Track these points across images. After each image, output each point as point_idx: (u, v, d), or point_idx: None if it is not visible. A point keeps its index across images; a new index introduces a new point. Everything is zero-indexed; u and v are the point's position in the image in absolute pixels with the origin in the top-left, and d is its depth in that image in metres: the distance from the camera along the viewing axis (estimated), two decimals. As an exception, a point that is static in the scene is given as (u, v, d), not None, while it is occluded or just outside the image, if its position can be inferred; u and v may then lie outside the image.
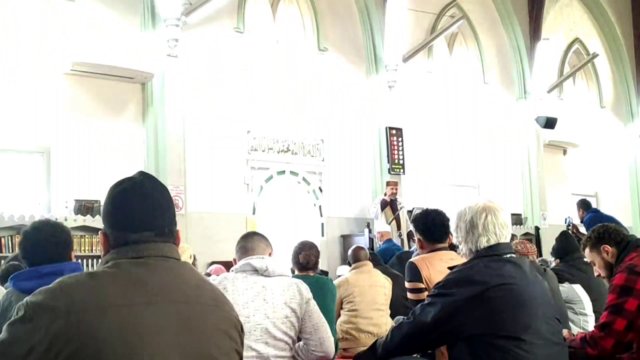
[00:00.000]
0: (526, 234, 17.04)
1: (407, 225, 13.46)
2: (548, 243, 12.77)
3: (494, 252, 3.45)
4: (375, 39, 15.08)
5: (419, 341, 3.57)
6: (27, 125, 10.99)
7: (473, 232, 3.47)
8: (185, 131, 12.11)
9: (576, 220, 13.32)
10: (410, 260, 5.00)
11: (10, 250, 9.68)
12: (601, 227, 4.56)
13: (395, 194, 13.74)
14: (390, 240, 11.82)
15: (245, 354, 3.97)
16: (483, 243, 3.45)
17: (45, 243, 3.54)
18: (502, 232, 3.48)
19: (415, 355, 3.84)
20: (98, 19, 11.52)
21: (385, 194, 13.74)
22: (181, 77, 12.11)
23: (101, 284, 1.98)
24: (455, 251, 5.22)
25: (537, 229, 17.30)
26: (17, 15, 11.06)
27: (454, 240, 3.69)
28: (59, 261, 3.49)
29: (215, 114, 12.70)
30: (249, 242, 4.38)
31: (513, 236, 13.30)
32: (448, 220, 5.06)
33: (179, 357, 1.97)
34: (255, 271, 4.18)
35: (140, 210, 2.12)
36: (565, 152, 19.54)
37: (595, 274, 4.63)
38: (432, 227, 5.06)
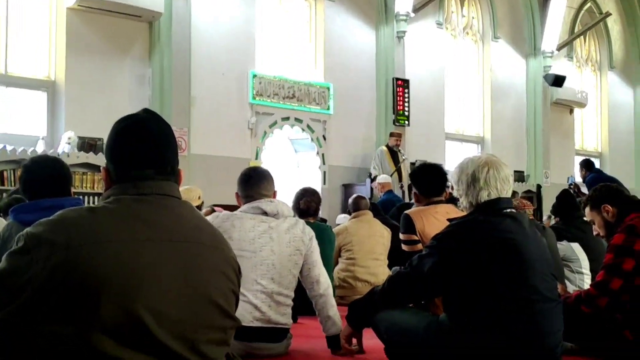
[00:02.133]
0: (528, 191, 17.05)
1: (408, 177, 13.46)
2: (549, 201, 12.77)
3: (494, 207, 3.45)
4: (387, -13, 14.91)
5: (414, 291, 3.61)
6: (31, 59, 10.95)
7: (474, 185, 3.47)
8: (191, 72, 12.05)
9: (578, 180, 13.32)
10: (405, 212, 5.03)
11: (12, 184, 9.70)
12: (602, 187, 4.56)
13: (399, 145, 13.70)
14: (390, 191, 11.82)
15: (250, 287, 4.06)
16: (484, 197, 3.46)
17: (44, 177, 3.55)
18: (504, 186, 3.48)
19: (410, 305, 3.87)
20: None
21: (387, 145, 13.69)
22: (189, 17, 12.01)
23: (101, 219, 1.98)
24: (455, 204, 5.25)
25: (538, 186, 17.32)
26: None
27: (455, 193, 3.69)
28: (59, 196, 3.50)
29: (222, 57, 12.62)
30: (256, 184, 4.37)
31: (514, 193, 13.29)
32: (445, 174, 5.09)
33: (177, 295, 1.98)
34: (265, 213, 4.22)
35: (142, 146, 2.11)
36: (571, 111, 19.45)
37: (595, 233, 4.64)
38: (428, 180, 5.09)
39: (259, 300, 4.12)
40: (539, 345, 3.31)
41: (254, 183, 4.36)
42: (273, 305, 4.17)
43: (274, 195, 4.40)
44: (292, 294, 4.32)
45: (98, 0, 10.97)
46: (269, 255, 4.17)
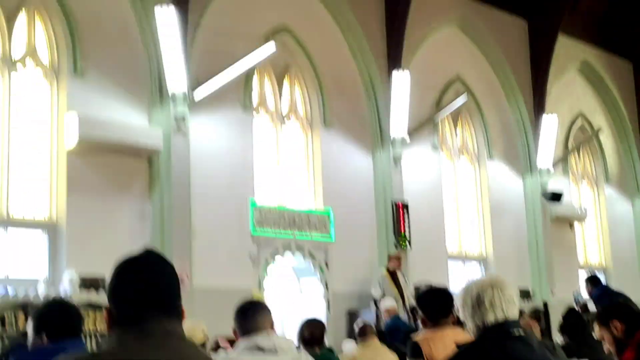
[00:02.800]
0: (534, 309, 16.85)
1: (410, 300, 13.37)
2: (557, 317, 12.63)
3: (501, 329, 3.41)
4: (381, 114, 15.21)
5: None
6: (32, 201, 11.04)
7: (479, 307, 3.43)
8: (191, 206, 12.13)
9: (584, 295, 13.22)
10: (412, 339, 4.98)
11: (14, 328, 9.59)
12: (610, 303, 4.52)
13: (400, 267, 13.62)
14: (397, 316, 11.70)
15: None
16: (490, 319, 3.42)
17: (57, 319, 3.57)
18: (509, 307, 3.45)
19: None
20: (106, 95, 11.65)
21: (387, 268, 13.61)
22: (188, 152, 12.19)
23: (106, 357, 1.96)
24: (463, 327, 5.18)
25: (545, 303, 17.13)
26: (25, 89, 11.22)
27: (461, 316, 3.65)
28: (71, 336, 3.50)
29: (222, 189, 12.74)
30: (252, 318, 4.23)
31: (521, 312, 13.15)
32: (451, 297, 5.05)
33: None
34: (262, 350, 4.11)
35: (145, 286, 2.11)
36: (572, 225, 19.47)
37: (605, 350, 4.57)
38: (435, 304, 5.05)
39: None
40: None
41: (249, 317, 4.23)
42: None
43: (272, 327, 4.29)
44: None
45: (98, 141, 11.15)
46: None
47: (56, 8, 11.42)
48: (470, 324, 3.51)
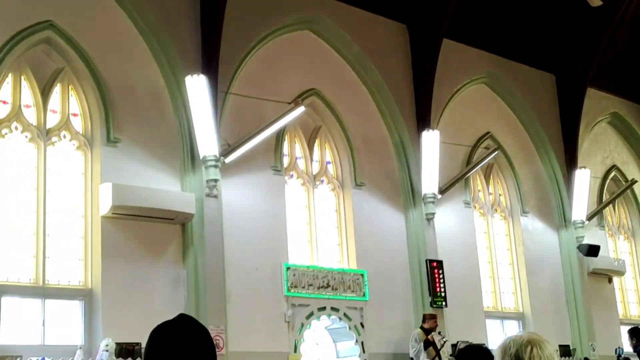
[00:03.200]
0: (576, 366, 16.56)
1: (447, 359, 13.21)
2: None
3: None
4: (412, 172, 15.23)
5: None
6: (67, 269, 11.12)
7: (519, 366, 3.38)
8: (225, 270, 12.14)
9: (627, 349, 12.95)
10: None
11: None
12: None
13: (436, 327, 13.47)
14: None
15: None
16: (530, 378, 3.36)
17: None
18: (549, 365, 3.39)
19: None
20: (139, 162, 11.80)
21: (422, 327, 13.44)
22: (221, 216, 12.25)
23: None
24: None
25: (586, 360, 16.82)
26: (60, 159, 11.40)
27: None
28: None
29: (255, 252, 12.75)
30: None
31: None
32: (492, 356, 4.98)
33: None
34: None
35: (180, 352, 2.11)
36: (610, 280, 19.18)
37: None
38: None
39: None
40: None
41: None
42: None
43: None
44: None
45: (131, 206, 11.26)
46: None
47: (89, 79, 11.66)
48: (509, 383, 3.44)
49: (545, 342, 3.43)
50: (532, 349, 3.38)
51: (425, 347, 13.17)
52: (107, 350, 10.39)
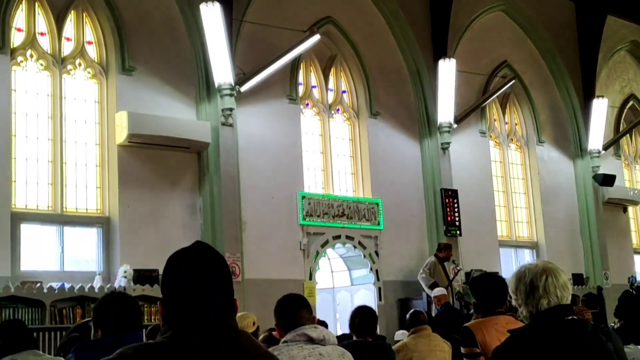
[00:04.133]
0: (588, 294, 16.66)
1: (460, 288, 13.33)
2: (611, 303, 12.49)
3: (554, 315, 3.38)
4: (428, 101, 15.15)
5: None
6: (85, 197, 11.23)
7: (533, 294, 3.41)
8: (241, 198, 12.23)
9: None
10: (465, 325, 4.95)
11: (71, 321, 9.78)
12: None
13: (450, 256, 13.55)
14: (447, 303, 11.66)
15: None
16: (544, 305, 3.39)
17: (117, 313, 3.63)
18: (563, 294, 3.42)
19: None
20: (154, 90, 11.79)
21: (437, 255, 13.53)
22: (236, 145, 12.28)
23: (160, 355, 1.99)
24: (514, 314, 5.16)
25: (599, 288, 16.94)
26: (76, 88, 11.40)
27: (513, 302, 3.63)
28: (130, 329, 3.55)
29: (270, 181, 12.81)
30: (297, 311, 4.26)
31: (575, 297, 13.02)
32: (506, 286, 5.01)
33: None
34: (311, 340, 4.16)
35: (197, 280, 2.14)
36: (625, 209, 19.20)
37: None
38: (489, 292, 5.01)
39: None
40: None
41: (294, 310, 4.26)
42: None
43: (315, 320, 4.33)
44: None
45: (147, 135, 11.30)
46: None
47: (104, 7, 11.58)
48: (523, 311, 3.48)
49: (559, 271, 3.46)
50: (547, 277, 3.41)
51: (432, 271, 13.25)
52: (125, 277, 10.55)
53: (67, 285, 10.20)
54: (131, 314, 3.70)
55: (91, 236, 11.28)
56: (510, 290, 3.54)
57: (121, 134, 11.19)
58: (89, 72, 11.57)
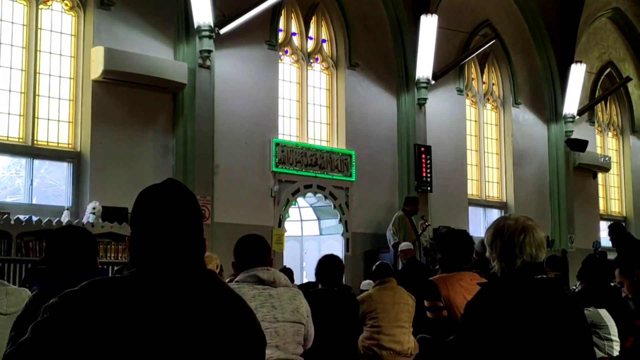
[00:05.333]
0: (553, 256, 16.83)
1: (427, 243, 13.42)
2: (575, 267, 12.65)
3: (527, 272, 3.42)
4: (407, 56, 15.08)
5: None
6: (57, 130, 11.13)
7: (509, 251, 3.42)
8: (214, 142, 12.18)
9: (604, 243, 13.19)
10: (430, 279, 4.99)
11: (37, 255, 9.75)
12: (633, 251, 4.51)
13: (417, 209, 13.56)
14: (413, 257, 11.76)
15: None
16: (517, 263, 3.42)
17: (71, 248, 3.59)
18: (538, 253, 3.44)
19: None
20: (132, 28, 11.63)
21: (404, 209, 13.56)
22: (212, 88, 12.19)
23: (125, 289, 1.99)
24: (479, 271, 5.21)
25: (564, 251, 17.15)
26: (54, 20, 11.22)
27: (487, 255, 3.65)
28: (85, 266, 3.53)
29: (245, 126, 12.76)
30: (251, 252, 4.32)
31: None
32: (472, 242, 5.05)
33: (191, 354, 1.97)
34: (261, 281, 4.19)
35: (167, 216, 2.12)
36: (595, 175, 19.38)
37: (623, 294, 4.58)
38: (456, 248, 5.05)
39: None
40: None
41: (248, 251, 4.32)
42: None
43: (270, 262, 4.36)
44: (300, 359, 4.27)
45: (123, 72, 11.16)
46: (271, 323, 4.12)
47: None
48: (496, 265, 3.50)
49: (538, 229, 3.48)
50: (525, 236, 3.43)
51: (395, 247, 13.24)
52: (93, 213, 10.51)
53: (34, 219, 10.14)
54: (88, 249, 3.67)
55: (61, 171, 11.20)
56: (486, 242, 3.55)
57: (96, 70, 11.05)
58: (66, 5, 11.37)
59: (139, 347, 1.90)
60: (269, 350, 4.03)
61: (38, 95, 10.96)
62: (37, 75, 10.97)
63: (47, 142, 11.05)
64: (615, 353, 5.77)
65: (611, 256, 12.67)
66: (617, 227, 12.14)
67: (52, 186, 11.18)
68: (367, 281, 9.86)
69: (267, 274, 4.21)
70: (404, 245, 11.98)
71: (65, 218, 10.46)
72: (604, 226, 18.88)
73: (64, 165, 11.19)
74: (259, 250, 4.34)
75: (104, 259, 10.28)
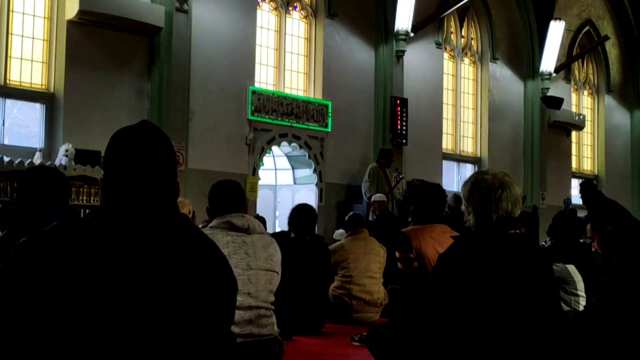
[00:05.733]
0: (524, 212, 17.01)
1: (401, 195, 13.46)
2: (545, 223, 12.79)
3: (500, 227, 3.44)
4: (387, 7, 14.96)
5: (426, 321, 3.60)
6: (30, 70, 10.97)
7: (485, 206, 3.44)
8: (190, 87, 12.07)
9: (575, 201, 13.32)
10: (402, 230, 5.02)
11: (8, 195, 9.66)
12: (605, 207, 4.55)
13: (391, 162, 13.57)
14: (386, 209, 11.82)
15: None
16: (493, 218, 3.45)
17: (43, 189, 3.56)
18: (514, 208, 3.47)
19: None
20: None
21: (379, 162, 13.55)
22: (189, 33, 12.05)
23: (95, 232, 1.97)
24: (451, 224, 5.25)
25: (535, 208, 17.31)
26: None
27: (462, 208, 3.67)
28: (57, 207, 3.50)
29: (221, 72, 12.65)
30: (226, 197, 4.28)
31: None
32: (445, 195, 5.09)
33: (167, 308, 1.97)
34: (235, 228, 4.16)
35: (141, 158, 2.09)
36: (569, 133, 19.51)
37: (593, 249, 4.64)
38: (428, 201, 5.08)
39: (236, 317, 3.94)
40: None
41: (222, 197, 4.27)
42: (254, 319, 4.10)
43: (244, 208, 4.32)
44: (272, 307, 4.26)
45: (99, 13, 10.99)
46: (244, 270, 4.10)
47: None
48: (471, 218, 3.53)
49: (515, 185, 3.50)
50: (502, 192, 3.44)
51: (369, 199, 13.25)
52: (66, 155, 10.41)
53: (6, 159, 10.03)
54: (60, 190, 3.64)
55: (34, 112, 11.07)
56: (463, 196, 3.57)
57: (71, 10, 10.87)
58: (41, -58, 11.14)
59: (115, 300, 1.88)
60: (241, 297, 4.03)
61: (11, 34, 10.78)
62: (11, 13, 10.77)
63: (20, 82, 10.89)
64: (581, 308, 5.86)
65: (581, 213, 12.83)
66: (588, 185, 12.26)
67: (24, 127, 11.06)
68: (340, 231, 9.90)
69: (241, 221, 4.18)
70: (377, 196, 12.02)
71: (37, 160, 10.35)
72: (575, 184, 19.07)
73: (36, 106, 11.06)
74: (233, 196, 4.29)
75: (76, 202, 10.21)
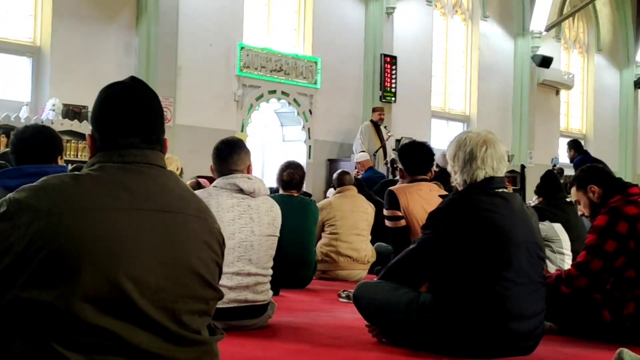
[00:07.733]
0: (511, 171, 17.10)
1: (391, 154, 13.47)
2: (533, 182, 12.84)
3: (487, 186, 3.46)
4: (377, -38, 14.83)
5: (417, 274, 3.63)
6: (16, 23, 10.84)
7: (471, 164, 3.46)
8: (178, 42, 11.97)
9: (562, 160, 13.35)
10: (390, 188, 5.04)
11: (-4, 148, 9.61)
12: (590, 167, 4.57)
13: (383, 119, 13.58)
14: (372, 168, 11.82)
15: (226, 270, 3.94)
16: (480, 176, 3.46)
17: (35, 144, 3.56)
18: (499, 166, 3.50)
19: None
20: None
21: (371, 120, 13.57)
22: (178, -13, 11.92)
23: (84, 187, 1.96)
24: (439, 183, 5.27)
25: (522, 167, 17.36)
26: None
27: (449, 169, 3.68)
28: (48, 162, 3.50)
29: (210, 27, 12.53)
30: (232, 157, 4.15)
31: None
32: (433, 153, 5.11)
33: (159, 264, 1.97)
34: (241, 190, 4.11)
35: (128, 114, 2.09)
36: (557, 92, 19.51)
37: (579, 212, 4.67)
38: (416, 159, 5.09)
39: (234, 282, 3.98)
40: (513, 328, 3.36)
41: (228, 156, 4.14)
42: (251, 286, 4.06)
43: (249, 169, 4.21)
44: (270, 271, 4.24)
45: (86, -34, 10.86)
46: (248, 236, 4.04)
47: None
48: (458, 177, 3.55)
49: (499, 143, 3.53)
50: (486, 149, 3.47)
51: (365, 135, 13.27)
52: (53, 110, 10.35)
53: (-8, 113, 9.98)
54: (53, 146, 3.63)
55: (21, 65, 10.96)
56: (448, 155, 3.59)
57: (57, -39, 10.73)
58: None
59: (92, 246, 1.89)
60: (242, 264, 4.02)
61: (-3, -14, 10.63)
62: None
63: (6, 36, 10.77)
64: (567, 266, 5.91)
65: (568, 172, 12.89)
66: (575, 145, 12.29)
67: (11, 81, 10.94)
68: (332, 190, 9.91)
69: (247, 184, 4.07)
70: (360, 156, 12.01)
71: (24, 114, 10.29)
72: (563, 143, 19.11)
73: (24, 60, 10.95)
74: (240, 156, 4.15)
75: (63, 157, 10.16)
